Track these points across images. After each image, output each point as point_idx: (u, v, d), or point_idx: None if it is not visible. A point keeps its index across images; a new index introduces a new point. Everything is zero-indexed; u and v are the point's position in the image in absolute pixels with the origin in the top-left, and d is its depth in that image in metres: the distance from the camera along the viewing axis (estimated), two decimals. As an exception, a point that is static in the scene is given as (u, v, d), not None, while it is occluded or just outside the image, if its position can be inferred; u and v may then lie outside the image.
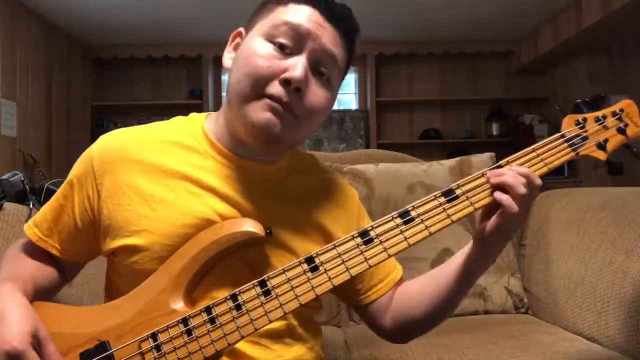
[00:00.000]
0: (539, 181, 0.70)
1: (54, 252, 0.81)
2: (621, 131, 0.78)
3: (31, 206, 1.13)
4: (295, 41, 0.72)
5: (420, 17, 4.32)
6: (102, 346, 0.66)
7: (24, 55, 3.88)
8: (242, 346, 0.72)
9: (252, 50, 0.72)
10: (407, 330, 0.84)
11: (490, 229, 0.71)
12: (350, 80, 5.48)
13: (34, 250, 0.81)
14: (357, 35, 0.79)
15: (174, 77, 4.99)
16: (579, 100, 0.81)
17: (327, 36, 0.73)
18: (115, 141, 0.78)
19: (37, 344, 0.65)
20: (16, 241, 0.85)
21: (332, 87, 0.77)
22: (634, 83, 4.17)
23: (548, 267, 1.36)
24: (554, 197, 1.53)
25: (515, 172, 0.69)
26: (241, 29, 0.79)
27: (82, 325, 0.69)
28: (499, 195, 0.69)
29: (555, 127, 4.51)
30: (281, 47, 0.72)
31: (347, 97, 5.50)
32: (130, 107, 4.97)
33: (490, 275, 1.41)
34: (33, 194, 1.25)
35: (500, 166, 0.73)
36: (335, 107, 5.48)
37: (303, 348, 0.79)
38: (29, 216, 1.10)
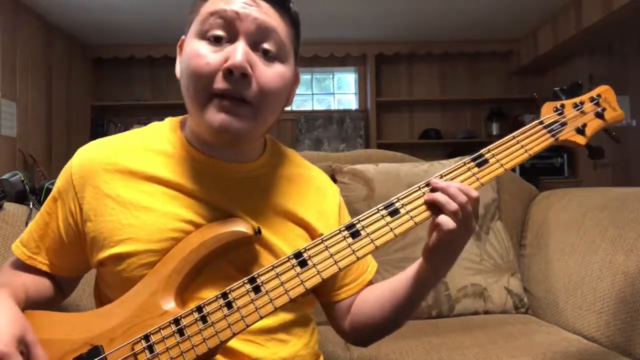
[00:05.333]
0: (474, 193, 0.70)
1: (45, 268, 0.80)
2: (599, 115, 0.79)
3: (31, 206, 1.13)
4: (226, 29, 0.69)
5: (420, 17, 4.32)
6: (95, 350, 0.66)
7: (24, 55, 3.88)
8: (237, 344, 0.72)
9: (189, 52, 0.71)
10: (362, 334, 0.85)
11: (432, 245, 0.71)
12: (350, 80, 5.48)
13: (25, 268, 0.81)
14: (289, 1, 0.74)
15: (174, 77, 4.91)
16: (557, 88, 0.82)
17: (257, 11, 0.70)
18: (92, 153, 0.78)
19: (24, 347, 0.65)
20: (7, 260, 0.84)
21: (283, 59, 0.73)
22: (634, 83, 4.18)
23: (548, 267, 1.36)
24: (554, 197, 1.53)
25: (451, 188, 0.69)
26: (183, 37, 0.78)
27: (74, 331, 0.69)
28: (436, 211, 0.70)
29: (555, 127, 4.51)
30: (216, 40, 0.69)
31: (347, 97, 5.50)
32: (130, 107, 4.98)
33: (490, 275, 1.41)
34: (33, 194, 1.25)
35: (481, 155, 0.74)
36: (335, 107, 5.45)
37: (298, 344, 0.79)
38: (29, 216, 1.10)
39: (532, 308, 1.42)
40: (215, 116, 0.68)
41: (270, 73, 0.71)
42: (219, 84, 0.68)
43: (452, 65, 5.19)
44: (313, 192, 0.85)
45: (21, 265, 0.81)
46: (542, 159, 4.43)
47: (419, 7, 4.11)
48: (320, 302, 0.89)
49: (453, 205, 0.68)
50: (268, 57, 0.71)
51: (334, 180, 1.44)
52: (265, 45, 0.70)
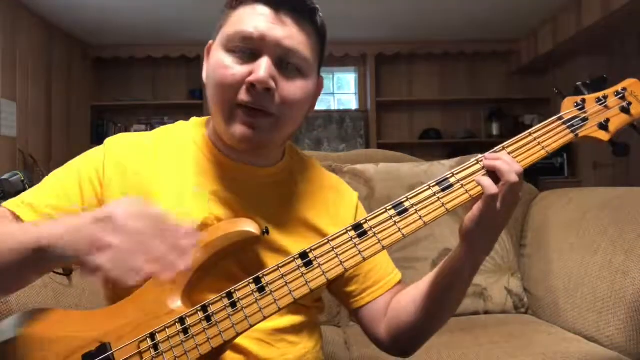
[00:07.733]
0: (520, 168, 0.69)
1: None
2: (625, 110, 0.74)
3: (31, 206, 1.12)
4: (252, 47, 0.71)
5: (420, 17, 4.32)
6: (103, 347, 0.67)
7: (24, 55, 3.88)
8: (247, 343, 0.72)
9: (216, 63, 0.73)
10: (402, 340, 0.81)
11: (472, 217, 0.68)
12: (350, 80, 5.48)
13: None
14: (316, 14, 0.75)
15: (174, 77, 4.94)
16: (579, 83, 0.77)
17: (283, 31, 0.71)
18: (121, 145, 0.80)
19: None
20: None
21: (305, 73, 0.74)
22: (634, 83, 4.16)
23: (548, 267, 1.36)
24: (554, 197, 1.53)
25: (510, 158, 0.68)
26: (210, 42, 0.79)
27: (85, 329, 0.70)
28: (479, 178, 0.67)
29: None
30: (242, 54, 0.71)
31: (347, 97, 5.50)
32: (130, 107, 4.96)
33: (490, 275, 1.41)
34: (33, 194, 1.25)
35: (496, 152, 0.72)
36: (335, 107, 5.44)
37: (306, 348, 0.80)
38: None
39: (532, 308, 1.42)
40: (237, 127, 0.71)
41: (292, 87, 0.73)
42: (243, 95, 0.70)
43: (452, 65, 5.19)
44: (330, 199, 0.85)
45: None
46: (542, 159, 4.43)
47: (419, 7, 4.11)
48: (350, 311, 0.87)
49: (516, 167, 0.67)
50: (291, 72, 0.73)
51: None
52: (289, 62, 0.72)
